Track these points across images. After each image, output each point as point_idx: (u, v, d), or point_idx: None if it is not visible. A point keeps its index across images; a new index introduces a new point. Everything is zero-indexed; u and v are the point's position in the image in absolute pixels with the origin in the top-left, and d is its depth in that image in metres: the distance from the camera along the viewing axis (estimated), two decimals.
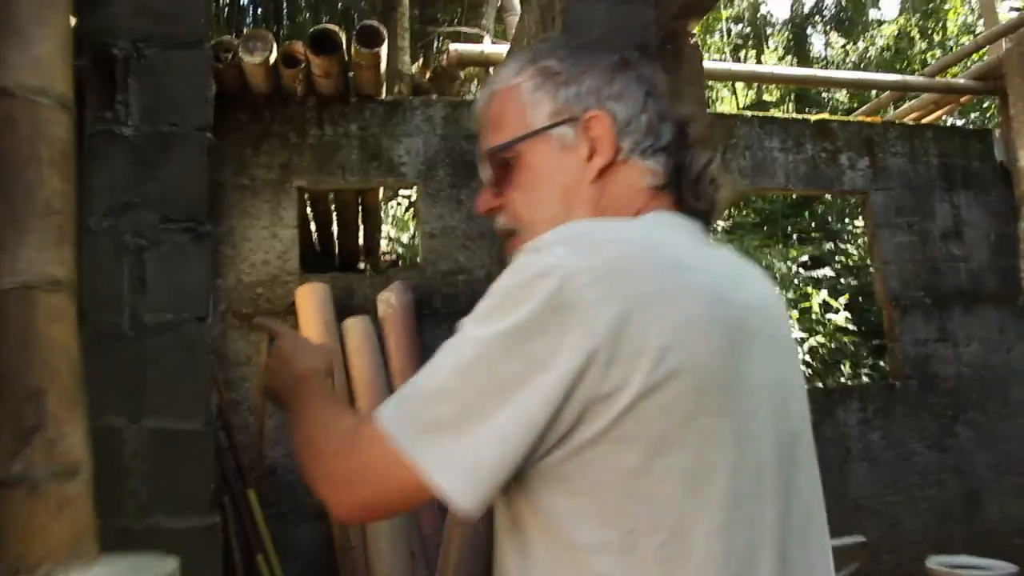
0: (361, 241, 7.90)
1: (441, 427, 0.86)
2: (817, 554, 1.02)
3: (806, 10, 18.06)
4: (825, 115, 7.37)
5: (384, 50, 5.17)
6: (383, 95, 5.62)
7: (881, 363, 9.13)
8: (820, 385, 8.49)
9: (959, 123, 12.66)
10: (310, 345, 1.21)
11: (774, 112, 13.55)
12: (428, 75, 9.75)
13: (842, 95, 14.57)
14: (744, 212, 11.69)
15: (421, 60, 10.54)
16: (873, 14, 17.39)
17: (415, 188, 5.89)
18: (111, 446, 2.45)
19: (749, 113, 6.99)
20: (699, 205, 1.10)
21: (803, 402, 1.06)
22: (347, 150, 5.46)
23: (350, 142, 5.48)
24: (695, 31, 3.28)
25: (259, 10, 15.77)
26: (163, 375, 2.51)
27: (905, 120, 7.61)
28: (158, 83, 2.61)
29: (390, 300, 5.19)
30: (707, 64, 4.83)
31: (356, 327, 5.07)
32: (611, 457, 0.85)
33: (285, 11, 14.71)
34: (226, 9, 13.55)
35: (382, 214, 8.63)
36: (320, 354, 1.19)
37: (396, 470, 0.87)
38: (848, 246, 10.98)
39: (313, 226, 7.30)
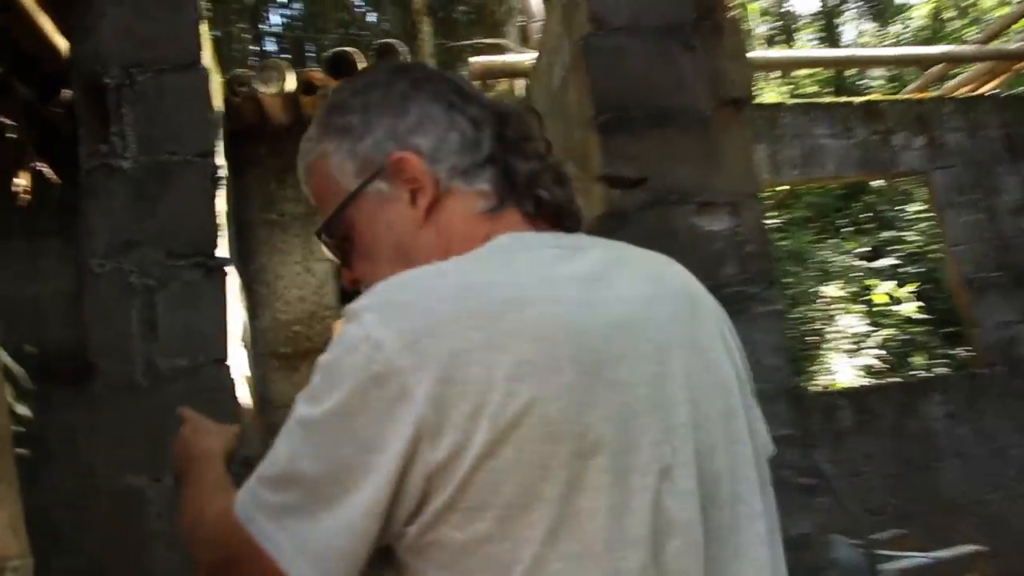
0: None
1: (291, 513, 0.82)
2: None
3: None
4: (872, 96, 7.02)
5: None
6: None
7: (957, 351, 8.69)
8: (897, 379, 8.08)
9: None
10: (213, 428, 1.20)
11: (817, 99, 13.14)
12: None
13: (882, 80, 14.16)
14: (794, 207, 11.33)
15: None
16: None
17: None
18: (132, 508, 2.25)
19: (791, 100, 6.68)
20: (542, 213, 1.01)
21: (732, 398, 0.97)
22: None
23: None
24: (733, 3, 3.02)
25: (280, 45, 15.87)
26: None
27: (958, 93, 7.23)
28: (153, 110, 2.42)
29: None
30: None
31: None
32: (466, 526, 0.80)
33: (305, 45, 14.77)
34: (247, 45, 13.60)
35: None
36: (220, 437, 1.18)
37: (256, 560, 0.83)
38: (907, 233, 10.56)
39: None
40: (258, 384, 4.76)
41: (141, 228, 2.38)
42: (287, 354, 4.96)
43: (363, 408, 0.80)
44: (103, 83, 2.42)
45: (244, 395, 2.63)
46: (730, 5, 2.99)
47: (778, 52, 10.55)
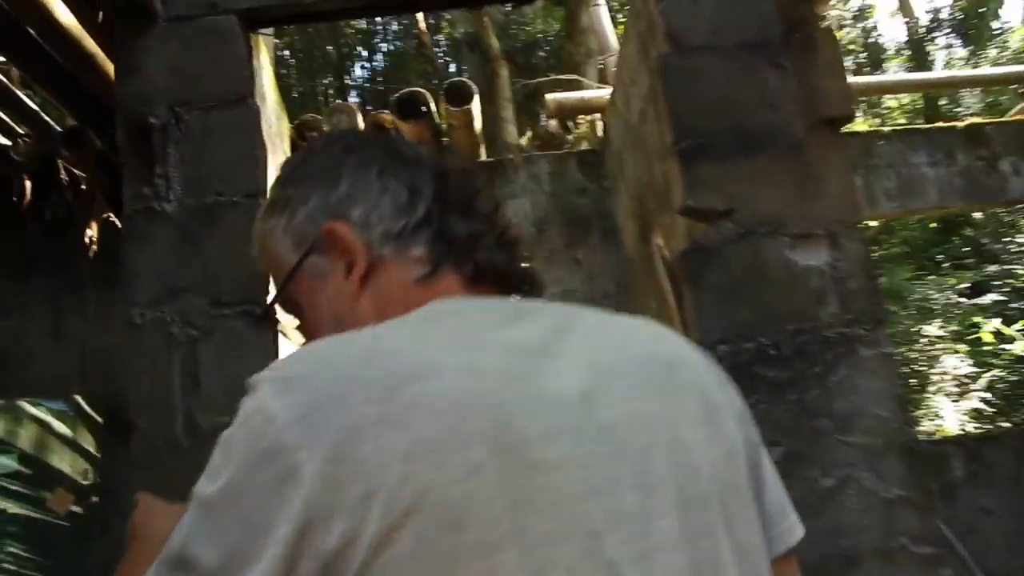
0: None
1: None
2: None
3: (924, 26, 17.16)
4: (976, 119, 6.60)
5: (477, 108, 4.85)
6: (482, 156, 5.29)
7: None
8: (1012, 426, 7.51)
9: None
10: (164, 510, 1.12)
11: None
12: (536, 143, 9.51)
13: (977, 106, 13.54)
14: (888, 243, 10.82)
15: (529, 133, 10.35)
16: (994, 24, 16.39)
17: (527, 253, 5.49)
18: None
19: (886, 128, 6.31)
20: (483, 278, 0.97)
21: (706, 483, 0.85)
22: None
23: None
24: (826, 14, 2.76)
25: (362, 97, 16.07)
26: None
27: None
28: (200, 149, 2.28)
29: None
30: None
31: None
32: None
33: (388, 97, 14.90)
34: (332, 99, 13.78)
35: None
36: (170, 518, 1.04)
37: None
38: (1015, 266, 9.94)
39: None
40: None
41: (185, 274, 2.23)
42: None
43: (252, 487, 0.75)
44: (148, 123, 2.29)
45: None
46: (823, 15, 2.73)
47: (869, 78, 10.12)
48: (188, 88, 2.34)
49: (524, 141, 9.53)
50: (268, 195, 1.05)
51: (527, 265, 1.00)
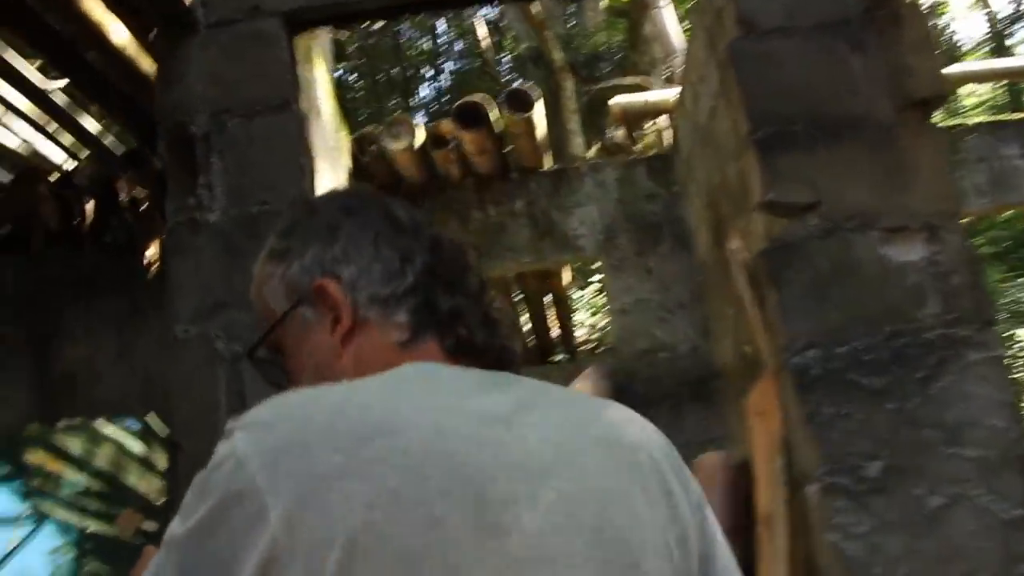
0: (556, 332, 7.48)
1: None
2: None
3: (1005, 17, 16.54)
4: None
5: (540, 115, 4.70)
6: (546, 165, 5.14)
7: None
8: None
9: None
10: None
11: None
12: (603, 154, 9.35)
13: None
14: (978, 242, 10.33)
15: (596, 145, 10.21)
16: None
17: (599, 263, 5.34)
18: None
19: (974, 120, 5.97)
20: (462, 351, 1.00)
21: (648, 563, 0.88)
22: (514, 230, 5.02)
23: (517, 221, 5.03)
24: None
25: (430, 116, 16.10)
26: None
27: None
28: (243, 157, 2.18)
29: (585, 389, 4.59)
30: None
31: None
32: None
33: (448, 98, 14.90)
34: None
35: (574, 301, 8.24)
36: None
37: None
38: None
39: None
40: None
41: (229, 288, 2.11)
42: None
43: (222, 527, 0.78)
44: (189, 132, 2.19)
45: None
46: None
47: (951, 68, 9.68)
48: (229, 95, 2.24)
49: (591, 153, 9.37)
50: (269, 243, 1.09)
51: (505, 343, 1.03)
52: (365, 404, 0.85)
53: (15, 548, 4.89)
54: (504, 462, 0.85)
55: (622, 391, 4.68)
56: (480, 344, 1.01)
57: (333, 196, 1.15)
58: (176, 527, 0.82)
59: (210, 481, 0.80)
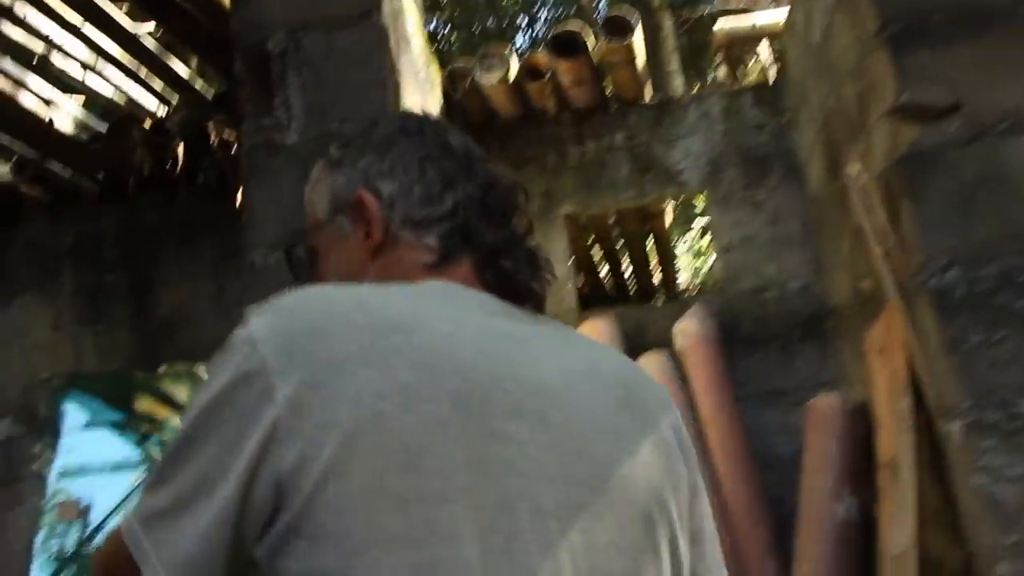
0: (658, 277, 7.28)
1: (160, 519, 0.81)
2: None
3: None
4: None
5: (639, 43, 4.46)
6: (647, 97, 4.91)
7: None
8: None
9: None
10: None
11: None
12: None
13: None
14: None
15: (697, 86, 9.86)
16: None
17: (703, 196, 5.11)
18: None
19: None
20: (498, 284, 1.00)
21: (650, 504, 0.91)
22: (614, 165, 4.82)
23: (616, 156, 4.82)
24: None
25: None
26: None
27: None
28: (322, 74, 2.04)
29: (689, 330, 4.43)
30: None
31: (652, 365, 4.34)
32: (307, 558, 0.76)
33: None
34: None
35: (675, 243, 8.01)
36: None
37: (124, 564, 0.81)
38: None
39: (603, 267, 6.81)
40: None
41: None
42: None
43: (230, 406, 0.79)
44: (266, 50, 2.06)
45: None
46: None
47: None
48: (307, 8, 2.10)
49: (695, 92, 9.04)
50: (331, 151, 1.12)
51: (542, 288, 1.03)
52: (385, 303, 0.87)
53: (130, 493, 5.02)
54: (515, 377, 0.87)
55: (729, 331, 4.49)
56: (521, 283, 1.01)
57: (396, 116, 1.16)
58: (188, 412, 0.83)
59: (224, 364, 0.82)
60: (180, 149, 4.21)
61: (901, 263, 2.28)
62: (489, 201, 1.04)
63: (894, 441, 3.37)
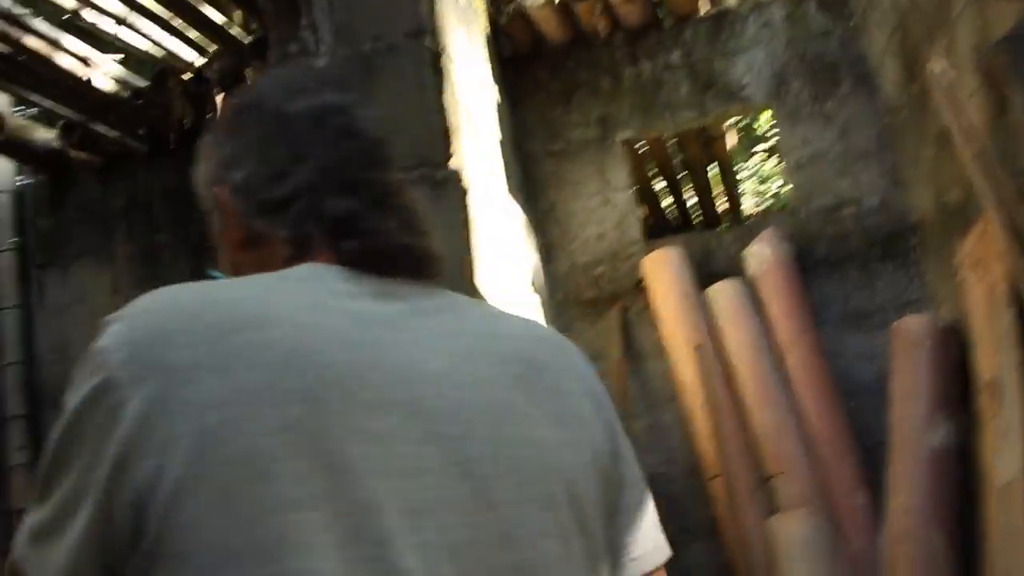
0: (723, 205, 7.07)
1: (38, 537, 0.79)
2: None
3: None
4: None
5: None
6: (702, 10, 4.67)
7: None
8: None
9: None
10: None
11: None
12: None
13: None
14: None
15: None
16: None
17: (769, 113, 4.87)
18: None
19: None
20: (357, 257, 0.89)
21: (555, 485, 0.85)
22: (672, 85, 4.64)
23: (674, 75, 4.62)
24: None
25: None
26: None
27: None
28: None
29: (762, 254, 4.24)
30: None
31: (725, 293, 4.21)
32: None
33: None
34: None
35: (739, 170, 7.75)
36: None
37: None
38: None
39: (666, 197, 6.62)
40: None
41: None
42: (592, 299, 4.44)
43: (88, 421, 0.76)
44: None
45: None
46: None
47: None
48: None
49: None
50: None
51: (425, 247, 0.92)
52: (238, 299, 0.82)
53: None
54: (384, 364, 0.81)
55: (804, 254, 4.29)
56: (390, 245, 0.90)
57: (244, 89, 1.04)
58: (57, 422, 0.79)
59: (82, 374, 0.78)
60: (220, 98, 4.10)
61: (1011, 158, 2.03)
62: (339, 164, 0.94)
63: (994, 361, 3.14)
